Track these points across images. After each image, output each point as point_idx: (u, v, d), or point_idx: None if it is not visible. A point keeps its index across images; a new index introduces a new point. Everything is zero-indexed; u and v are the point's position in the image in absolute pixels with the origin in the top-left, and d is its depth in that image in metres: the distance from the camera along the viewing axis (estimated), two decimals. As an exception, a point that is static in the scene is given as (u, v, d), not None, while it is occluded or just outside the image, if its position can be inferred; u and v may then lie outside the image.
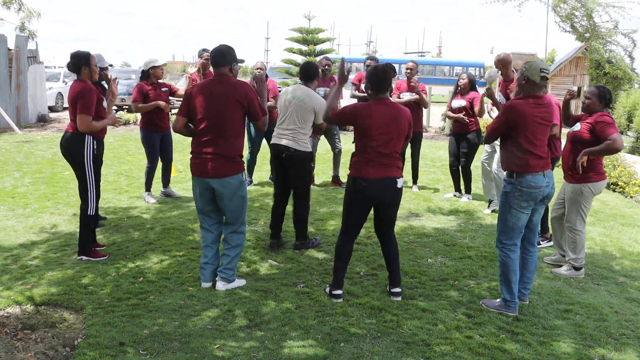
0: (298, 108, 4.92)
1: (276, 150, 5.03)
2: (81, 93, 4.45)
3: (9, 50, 13.14)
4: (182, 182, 7.77)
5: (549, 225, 5.52)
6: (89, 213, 4.62)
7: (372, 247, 5.25)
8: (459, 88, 7.17)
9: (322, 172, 8.65)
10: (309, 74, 5.04)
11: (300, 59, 14.19)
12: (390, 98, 4.01)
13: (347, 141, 10.59)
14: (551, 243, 5.53)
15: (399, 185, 3.94)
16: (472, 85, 7.06)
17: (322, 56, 8.02)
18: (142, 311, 3.70)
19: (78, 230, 4.79)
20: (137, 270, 4.45)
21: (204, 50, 7.08)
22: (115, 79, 5.18)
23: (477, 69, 28.32)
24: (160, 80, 6.53)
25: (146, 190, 6.65)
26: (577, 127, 4.62)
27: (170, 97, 6.67)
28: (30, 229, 5.47)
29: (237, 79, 4.19)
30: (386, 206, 4.02)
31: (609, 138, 4.36)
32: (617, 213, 6.95)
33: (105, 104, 4.74)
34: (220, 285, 4.13)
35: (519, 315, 3.87)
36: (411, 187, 7.84)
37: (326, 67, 7.59)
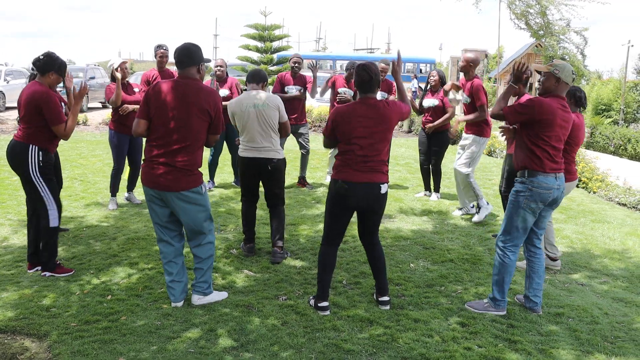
0: (264, 115, 4.62)
1: (256, 163, 4.72)
2: (44, 101, 4.03)
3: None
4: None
5: None
6: (50, 225, 4.20)
7: (351, 252, 5.05)
8: (430, 86, 7.07)
9: (287, 173, 8.38)
10: (259, 77, 4.77)
11: (256, 55, 13.86)
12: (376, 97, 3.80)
13: (315, 140, 10.37)
14: None
15: (383, 191, 3.75)
16: (442, 82, 6.97)
17: (293, 53, 7.75)
18: (115, 335, 3.35)
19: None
20: (104, 288, 4.07)
21: (159, 46, 6.68)
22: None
23: (428, 65, 28.58)
24: (128, 81, 6.21)
25: (112, 195, 6.22)
26: None
27: None
28: (-22, 244, 4.97)
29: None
30: (370, 212, 3.83)
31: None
32: (585, 209, 7.04)
33: (65, 109, 4.34)
34: (196, 299, 3.81)
35: (512, 322, 3.77)
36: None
37: (296, 64, 7.34)
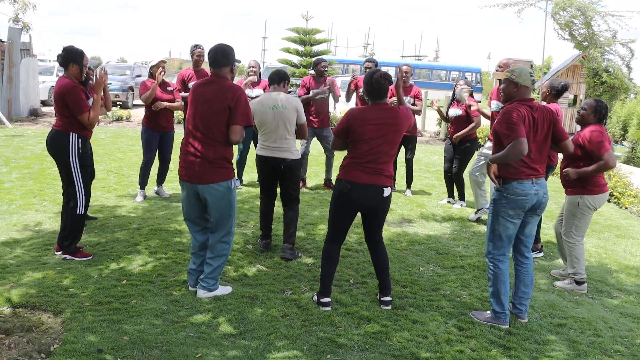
0: (282, 116, 4.78)
1: (267, 162, 4.90)
2: (67, 92, 4.33)
3: (2, 42, 12.96)
4: (172, 181, 7.62)
5: (540, 236, 5.47)
6: (77, 212, 4.49)
7: (363, 253, 5.14)
8: (455, 96, 7.08)
9: (314, 174, 8.53)
10: (279, 78, 4.93)
11: (296, 59, 14.09)
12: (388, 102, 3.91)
13: None
14: (541, 254, 5.45)
15: (385, 194, 3.82)
16: (470, 93, 6.95)
17: (317, 57, 7.92)
18: (124, 316, 3.58)
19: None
20: (121, 273, 4.32)
21: (196, 46, 6.96)
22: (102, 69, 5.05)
23: (474, 74, 28.24)
24: (166, 79, 6.46)
25: (140, 188, 6.52)
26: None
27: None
28: (14, 227, 5.33)
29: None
30: (372, 213, 3.92)
31: (601, 158, 4.30)
32: (612, 224, 6.88)
33: (90, 102, 4.61)
34: (201, 294, 3.97)
35: (511, 329, 3.78)
36: (404, 192, 7.75)
37: (324, 68, 7.49)
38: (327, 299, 3.92)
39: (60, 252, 4.60)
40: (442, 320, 3.83)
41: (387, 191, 3.84)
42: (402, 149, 7.66)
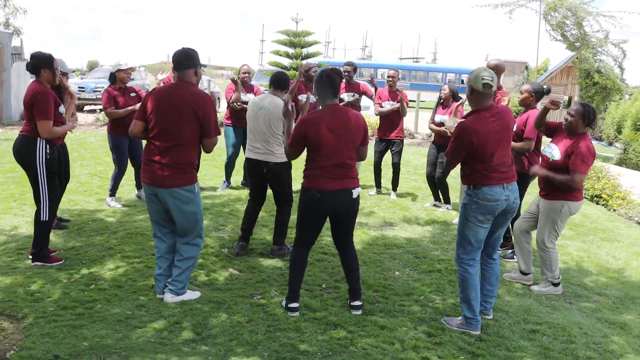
0: (266, 118, 4.78)
1: (254, 165, 4.88)
2: (37, 97, 4.29)
3: (-8, 45, 12.97)
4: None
5: (511, 235, 5.38)
6: (42, 218, 4.45)
7: (338, 258, 5.06)
8: (441, 100, 7.03)
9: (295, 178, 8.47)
10: (279, 83, 4.91)
11: (287, 62, 14.06)
12: (339, 104, 3.87)
13: None
14: (515, 259, 5.40)
15: (354, 196, 3.80)
16: (454, 96, 6.90)
17: (307, 62, 7.86)
18: (86, 321, 3.53)
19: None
20: (90, 277, 4.27)
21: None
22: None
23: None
24: (128, 85, 6.33)
25: (110, 195, 6.44)
26: (557, 155, 4.34)
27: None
28: (-12, 231, 5.30)
29: (200, 87, 4.00)
30: (342, 217, 3.87)
31: (574, 174, 4.22)
32: (597, 227, 6.81)
33: (62, 108, 4.57)
34: (168, 298, 3.93)
35: (482, 335, 3.72)
36: (389, 195, 7.70)
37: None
38: (295, 304, 3.87)
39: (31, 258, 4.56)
40: (411, 326, 3.78)
41: (355, 192, 3.81)
42: (388, 152, 7.62)
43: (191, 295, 4.02)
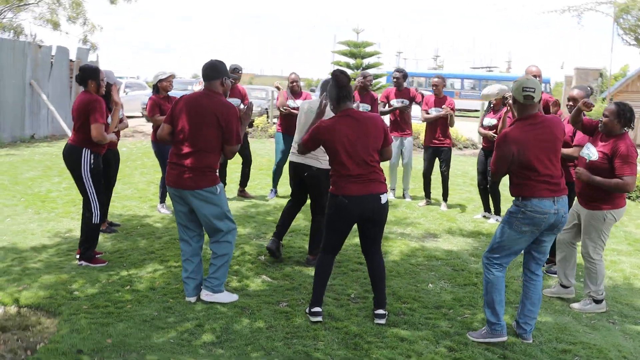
0: (310, 120, 4.82)
1: (295, 168, 4.96)
2: (89, 104, 4.61)
3: (71, 61, 13.98)
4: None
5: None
6: (93, 222, 4.75)
7: (363, 269, 5.02)
8: (492, 104, 6.86)
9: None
10: (326, 87, 4.95)
11: (350, 73, 14.14)
12: (354, 107, 3.86)
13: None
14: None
15: (383, 201, 3.77)
16: (504, 102, 6.68)
17: (363, 72, 7.93)
18: (114, 320, 3.72)
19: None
20: (127, 279, 4.49)
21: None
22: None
23: (543, 84, 27.03)
24: (170, 94, 6.61)
25: (160, 202, 6.74)
26: (594, 155, 4.15)
27: None
28: (47, 233, 5.70)
29: (228, 97, 4.16)
30: (370, 224, 3.85)
31: (622, 178, 3.98)
32: (662, 244, 6.30)
33: (109, 119, 4.87)
34: (204, 295, 4.07)
35: (507, 353, 3.55)
36: (440, 206, 7.54)
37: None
38: (318, 309, 3.87)
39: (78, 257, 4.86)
40: (433, 340, 3.67)
41: (384, 198, 3.78)
42: (437, 161, 7.49)
43: (228, 297, 4.14)
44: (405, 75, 7.53)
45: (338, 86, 3.77)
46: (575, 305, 4.37)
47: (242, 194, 7.71)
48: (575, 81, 17.45)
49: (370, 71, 13.76)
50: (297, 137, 5.00)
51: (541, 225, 3.51)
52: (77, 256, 4.88)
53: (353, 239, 5.66)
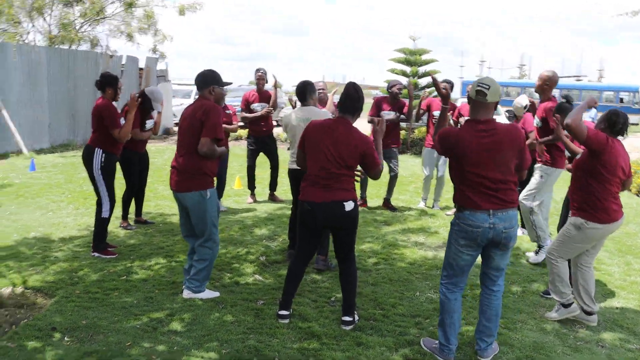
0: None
1: (295, 174, 5.11)
2: (102, 110, 5.08)
3: (141, 69, 15.04)
4: (239, 195, 8.20)
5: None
6: (102, 216, 5.17)
7: (362, 275, 5.04)
8: (515, 116, 6.69)
9: (375, 194, 8.47)
10: (304, 92, 5.07)
11: (404, 80, 14.05)
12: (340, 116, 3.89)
13: (404, 166, 9.92)
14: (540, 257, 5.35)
15: (347, 209, 3.76)
16: (531, 109, 6.45)
17: (392, 80, 7.93)
18: (97, 305, 4.05)
19: (112, 230, 5.41)
20: (128, 270, 4.84)
21: (258, 70, 7.48)
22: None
23: (631, 93, 25.13)
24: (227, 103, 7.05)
25: None
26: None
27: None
28: (78, 226, 6.24)
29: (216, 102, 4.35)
30: (337, 231, 3.88)
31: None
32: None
33: (149, 123, 5.67)
34: (185, 294, 4.31)
35: (465, 365, 3.46)
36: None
37: (393, 90, 7.47)
38: (285, 312, 3.97)
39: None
40: (392, 347, 3.64)
41: (348, 205, 3.77)
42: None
43: (210, 294, 4.34)
44: (452, 87, 7.51)
45: (344, 96, 3.84)
46: (549, 315, 4.21)
47: (272, 197, 7.94)
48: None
49: (424, 80, 13.59)
50: (292, 148, 5.11)
51: (476, 239, 3.31)
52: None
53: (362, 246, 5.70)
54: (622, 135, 4.01)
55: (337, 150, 3.72)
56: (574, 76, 42.13)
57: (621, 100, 25.20)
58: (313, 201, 3.77)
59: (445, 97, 3.97)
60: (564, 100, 5.17)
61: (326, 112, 5.07)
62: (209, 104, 4.16)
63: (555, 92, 7.08)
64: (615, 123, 3.93)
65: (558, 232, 4.85)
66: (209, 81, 4.22)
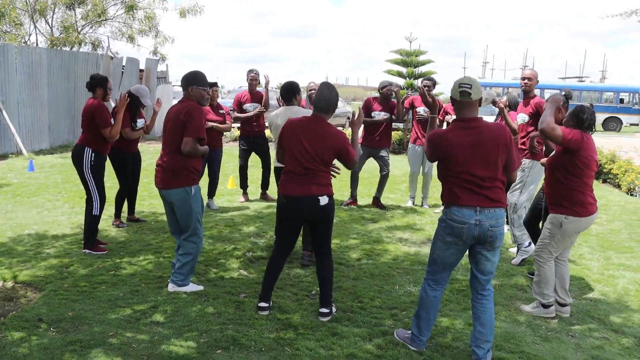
0: None
1: (280, 172, 5.25)
2: (92, 110, 5.23)
3: (141, 71, 15.23)
4: (232, 194, 8.34)
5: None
6: (93, 213, 5.33)
7: (349, 269, 5.18)
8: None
9: (366, 193, 8.60)
10: (288, 90, 5.21)
11: (402, 82, 14.16)
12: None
13: (395, 165, 10.00)
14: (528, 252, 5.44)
15: (322, 203, 3.90)
16: (510, 106, 6.53)
17: (383, 80, 8.06)
18: (83, 297, 4.20)
19: (105, 228, 5.55)
20: (117, 265, 4.99)
21: (250, 70, 7.63)
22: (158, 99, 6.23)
23: (632, 94, 25.14)
24: (219, 101, 7.27)
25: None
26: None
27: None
28: (71, 224, 6.40)
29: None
30: (313, 225, 4.01)
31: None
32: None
33: (140, 122, 5.87)
34: (170, 287, 4.45)
35: (434, 355, 3.57)
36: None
37: (383, 91, 7.60)
38: (264, 304, 4.10)
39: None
40: (366, 337, 3.77)
41: (323, 200, 3.89)
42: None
43: (194, 287, 4.49)
44: (434, 84, 7.69)
45: (318, 95, 3.99)
46: (525, 308, 4.32)
47: (264, 196, 8.08)
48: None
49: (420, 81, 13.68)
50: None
51: (462, 236, 3.35)
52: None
53: (333, 239, 5.85)
54: (591, 130, 4.12)
55: (312, 146, 3.86)
56: (576, 77, 42.18)
57: (621, 100, 25.22)
58: (290, 195, 3.91)
59: (432, 108, 3.95)
60: (563, 95, 5.26)
61: (310, 112, 5.20)
62: (192, 105, 4.30)
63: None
64: (583, 120, 4.04)
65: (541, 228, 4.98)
66: (188, 82, 4.37)
